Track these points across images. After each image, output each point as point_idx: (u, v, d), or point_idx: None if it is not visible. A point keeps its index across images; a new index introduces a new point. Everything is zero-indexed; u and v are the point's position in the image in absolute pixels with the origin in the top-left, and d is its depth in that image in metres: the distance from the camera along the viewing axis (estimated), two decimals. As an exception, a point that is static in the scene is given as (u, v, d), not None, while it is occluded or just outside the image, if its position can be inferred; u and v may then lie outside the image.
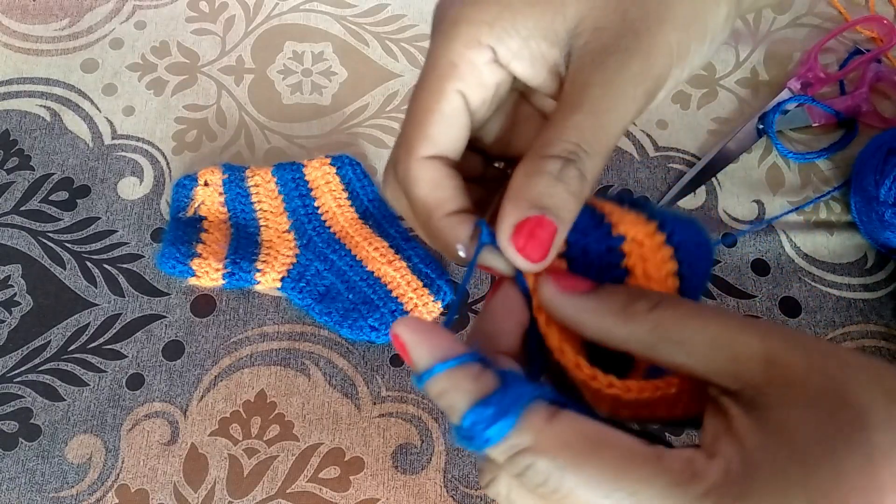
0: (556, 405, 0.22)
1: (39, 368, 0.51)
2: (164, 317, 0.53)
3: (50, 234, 0.55)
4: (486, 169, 0.31)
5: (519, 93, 0.31)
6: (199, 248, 0.52)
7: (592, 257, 0.26)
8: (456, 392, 0.23)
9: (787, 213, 0.57)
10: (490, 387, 0.22)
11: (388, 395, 0.51)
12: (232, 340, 0.52)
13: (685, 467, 0.21)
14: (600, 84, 0.25)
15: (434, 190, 0.27)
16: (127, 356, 0.52)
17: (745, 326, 0.22)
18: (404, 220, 0.32)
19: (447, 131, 0.27)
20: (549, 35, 0.26)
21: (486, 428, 0.22)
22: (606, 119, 0.25)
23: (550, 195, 0.24)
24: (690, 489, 0.20)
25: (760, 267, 0.56)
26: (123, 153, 0.59)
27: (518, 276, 0.26)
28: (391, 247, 0.54)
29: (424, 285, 0.52)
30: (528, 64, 0.27)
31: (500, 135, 0.31)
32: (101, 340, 0.52)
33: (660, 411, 0.25)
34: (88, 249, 0.55)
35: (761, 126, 0.60)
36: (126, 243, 0.55)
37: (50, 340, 0.52)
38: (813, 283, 0.56)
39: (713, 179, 0.59)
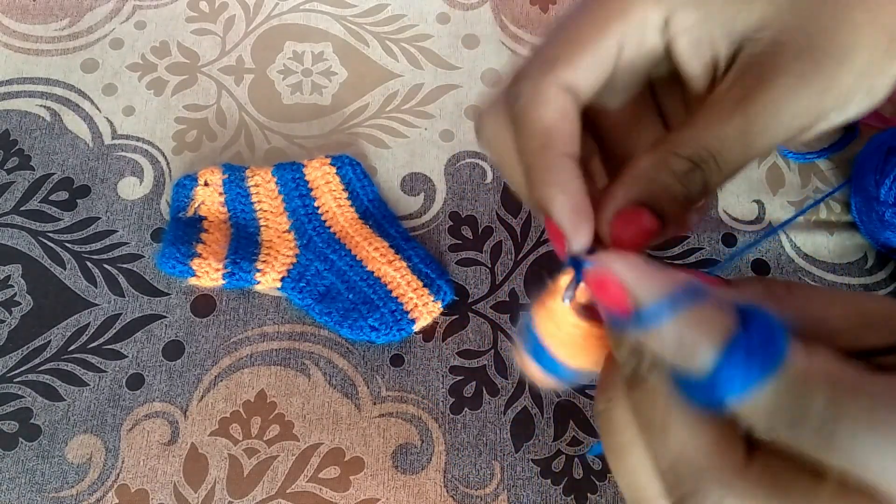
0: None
1: (39, 368, 0.51)
2: (164, 317, 0.53)
3: (50, 234, 0.55)
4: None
5: (648, 83, 0.27)
6: (199, 248, 0.52)
7: None
8: (701, 335, 0.18)
9: (793, 218, 0.57)
10: (734, 325, 0.19)
11: (388, 395, 0.51)
12: (232, 340, 0.52)
13: None
14: (761, 101, 0.22)
15: (561, 120, 0.23)
16: (127, 356, 0.52)
17: (865, 294, 0.21)
18: (490, 157, 0.27)
19: (593, 71, 0.23)
20: (727, 25, 0.23)
21: (748, 374, 0.18)
22: (754, 140, 0.22)
23: (667, 193, 0.22)
24: None
25: (761, 267, 0.56)
26: (123, 153, 0.59)
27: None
28: (391, 247, 0.54)
29: (424, 285, 0.52)
30: (692, 47, 0.24)
31: (610, 107, 0.27)
32: (101, 340, 0.52)
33: None
34: (88, 249, 0.55)
35: (761, 126, 0.60)
36: (126, 243, 0.55)
37: (50, 340, 0.52)
38: (813, 283, 0.56)
39: (713, 179, 0.59)
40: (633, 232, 0.22)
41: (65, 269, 0.54)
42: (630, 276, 0.20)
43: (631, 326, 0.20)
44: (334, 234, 0.55)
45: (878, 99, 0.24)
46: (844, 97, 0.23)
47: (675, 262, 0.55)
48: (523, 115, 0.23)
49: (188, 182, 0.55)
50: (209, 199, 0.55)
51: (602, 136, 0.28)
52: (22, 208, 0.56)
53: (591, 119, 0.27)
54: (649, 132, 0.28)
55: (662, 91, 0.27)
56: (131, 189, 0.57)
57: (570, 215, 0.23)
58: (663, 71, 0.26)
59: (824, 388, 0.18)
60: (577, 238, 0.23)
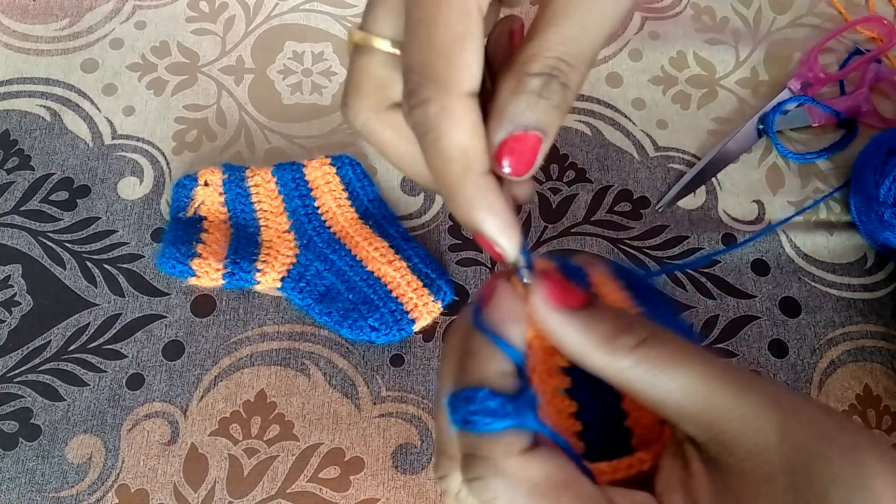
0: (537, 438, 0.23)
1: (39, 368, 0.51)
2: (164, 317, 0.53)
3: (50, 234, 0.55)
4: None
5: None
6: (199, 248, 0.52)
7: None
8: (488, 364, 0.23)
9: (791, 217, 0.57)
10: (511, 387, 0.23)
11: (388, 395, 0.51)
12: (232, 340, 0.52)
13: None
14: None
15: (473, 138, 0.23)
16: (127, 356, 0.52)
17: (727, 379, 0.22)
18: (390, 163, 0.28)
19: (479, 58, 0.23)
20: None
21: (485, 416, 0.22)
22: (593, 28, 0.24)
23: (534, 111, 0.23)
24: None
25: (760, 267, 0.56)
26: (123, 153, 0.59)
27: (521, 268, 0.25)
28: (391, 247, 0.54)
29: (424, 285, 0.52)
30: None
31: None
32: (101, 340, 0.52)
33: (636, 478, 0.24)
34: (88, 249, 0.55)
35: (761, 126, 0.60)
36: (126, 243, 0.55)
37: (50, 340, 0.52)
38: (813, 284, 0.56)
39: (713, 179, 0.59)
40: (520, 157, 0.24)
41: (65, 269, 0.54)
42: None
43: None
44: (334, 234, 0.55)
45: None
46: None
47: (675, 262, 0.55)
48: (437, 141, 0.23)
49: (188, 182, 0.55)
50: (209, 199, 0.55)
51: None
52: (22, 208, 0.56)
53: None
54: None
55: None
56: (131, 189, 0.57)
57: (501, 233, 0.24)
58: None
59: (513, 478, 0.22)
60: (511, 249, 0.25)
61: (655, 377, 0.22)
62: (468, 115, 0.23)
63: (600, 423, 0.25)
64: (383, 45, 0.26)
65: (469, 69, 0.23)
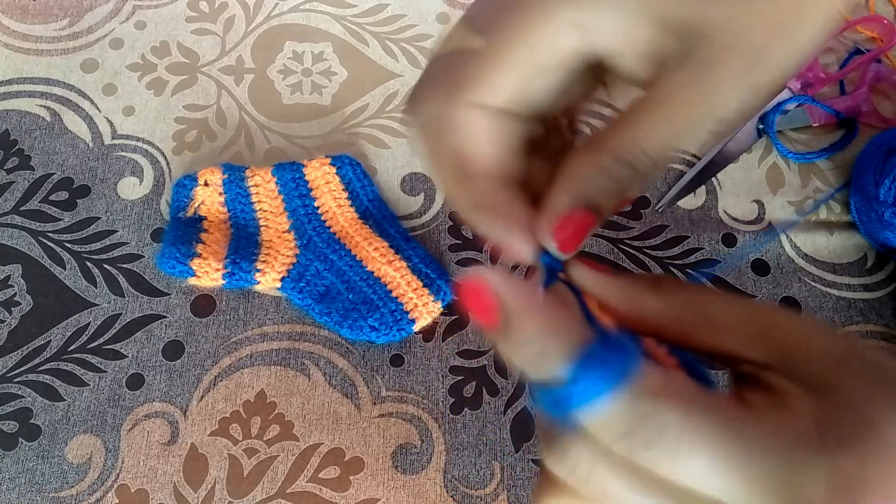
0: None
1: (39, 368, 0.51)
2: (164, 317, 0.53)
3: (50, 234, 0.55)
4: (549, 137, 0.28)
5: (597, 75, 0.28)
6: (199, 248, 0.52)
7: None
8: (553, 338, 0.20)
9: (794, 221, 0.57)
10: (590, 337, 0.20)
11: (388, 395, 0.51)
12: (232, 340, 0.52)
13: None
14: (690, 99, 0.23)
15: (475, 142, 0.24)
16: (127, 356, 0.52)
17: (775, 308, 0.22)
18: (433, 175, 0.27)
19: (518, 85, 0.24)
20: (652, 13, 0.23)
21: (596, 379, 0.19)
22: (683, 134, 0.23)
23: (601, 193, 0.23)
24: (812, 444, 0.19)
25: (760, 267, 0.56)
26: (123, 153, 0.59)
27: (549, 265, 0.24)
28: (391, 247, 0.54)
29: (424, 285, 0.52)
30: (615, 40, 0.24)
31: (572, 99, 0.27)
32: (101, 340, 0.52)
33: None
34: (88, 249, 0.55)
35: (761, 126, 0.60)
36: (126, 243, 0.55)
37: (50, 340, 0.52)
38: (813, 283, 0.56)
39: (713, 179, 0.59)
40: (573, 231, 0.24)
41: (65, 269, 0.54)
42: (503, 290, 0.21)
43: (498, 339, 0.21)
44: (334, 234, 0.55)
45: (802, 59, 0.24)
46: (778, 80, 0.23)
47: (675, 261, 0.55)
48: (433, 140, 0.24)
49: (188, 182, 0.55)
50: (209, 199, 0.55)
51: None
52: (22, 208, 0.56)
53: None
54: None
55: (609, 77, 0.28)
56: (131, 189, 0.57)
57: (501, 236, 0.24)
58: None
59: (657, 405, 0.19)
60: (519, 252, 0.24)
61: (711, 307, 0.22)
62: (470, 120, 0.23)
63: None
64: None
65: (496, 88, 0.23)
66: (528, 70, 0.24)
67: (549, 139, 0.28)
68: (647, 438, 0.19)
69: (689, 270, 0.55)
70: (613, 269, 0.24)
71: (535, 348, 0.20)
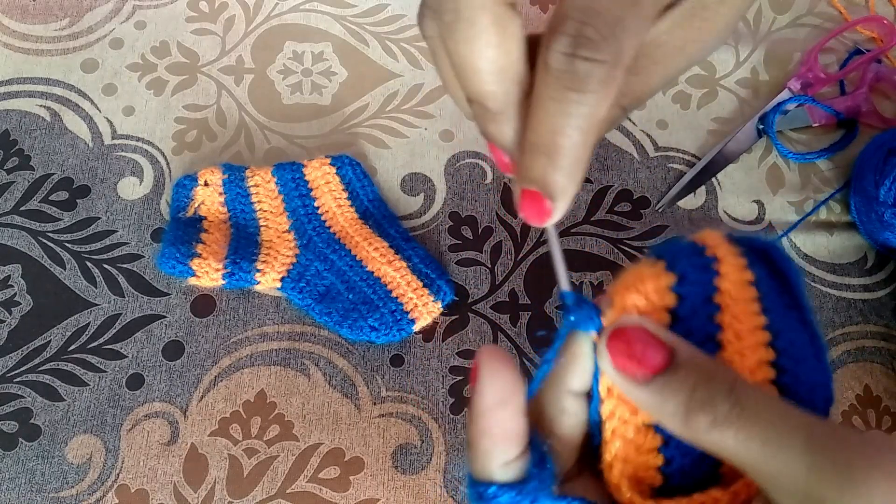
0: None
1: (39, 368, 0.51)
2: (164, 317, 0.53)
3: (50, 234, 0.55)
4: None
5: None
6: (199, 248, 0.52)
7: (694, 307, 0.23)
8: (496, 458, 0.22)
9: (797, 223, 0.57)
10: (518, 473, 0.22)
11: (388, 395, 0.51)
12: (232, 340, 0.52)
13: None
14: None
15: (503, 54, 0.22)
16: (127, 356, 0.52)
17: (833, 457, 0.19)
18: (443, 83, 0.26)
19: None
20: None
21: None
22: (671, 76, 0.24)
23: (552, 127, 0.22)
24: None
25: (760, 267, 0.56)
26: (123, 153, 0.59)
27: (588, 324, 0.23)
28: (391, 247, 0.54)
29: (424, 285, 0.52)
30: None
31: None
32: (101, 340, 0.52)
33: None
34: (88, 249, 0.55)
35: (761, 126, 0.60)
36: (126, 243, 0.55)
37: (50, 340, 0.52)
38: (813, 284, 0.56)
39: (713, 179, 0.59)
40: (534, 209, 0.23)
41: (65, 269, 0.54)
42: (481, 383, 0.23)
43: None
44: (334, 234, 0.55)
45: None
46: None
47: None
48: (454, 50, 0.22)
49: (188, 182, 0.55)
50: (209, 199, 0.55)
51: None
52: (22, 208, 0.56)
53: None
54: None
55: None
56: (131, 189, 0.57)
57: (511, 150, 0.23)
58: None
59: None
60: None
61: (742, 450, 0.20)
62: (485, 29, 0.22)
63: (685, 457, 0.23)
64: None
65: None
66: None
67: None
68: None
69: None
70: (667, 357, 0.21)
71: (476, 449, 0.22)
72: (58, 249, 0.55)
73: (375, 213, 0.56)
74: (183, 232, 0.53)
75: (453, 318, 0.53)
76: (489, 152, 0.24)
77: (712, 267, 0.23)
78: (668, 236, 0.57)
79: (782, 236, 0.57)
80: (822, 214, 0.58)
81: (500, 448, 0.22)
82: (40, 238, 0.55)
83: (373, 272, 0.53)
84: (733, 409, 0.20)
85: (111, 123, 0.60)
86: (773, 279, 0.24)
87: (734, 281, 0.23)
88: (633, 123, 0.61)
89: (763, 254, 0.24)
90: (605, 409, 0.23)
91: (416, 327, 0.52)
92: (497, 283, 0.55)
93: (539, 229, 0.56)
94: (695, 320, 0.22)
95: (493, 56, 0.22)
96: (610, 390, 0.23)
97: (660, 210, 0.57)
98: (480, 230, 0.56)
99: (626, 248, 0.56)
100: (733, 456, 0.20)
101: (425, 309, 0.52)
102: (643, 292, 0.23)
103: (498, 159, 0.24)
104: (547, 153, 0.22)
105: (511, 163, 0.24)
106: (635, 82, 0.24)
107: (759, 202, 0.59)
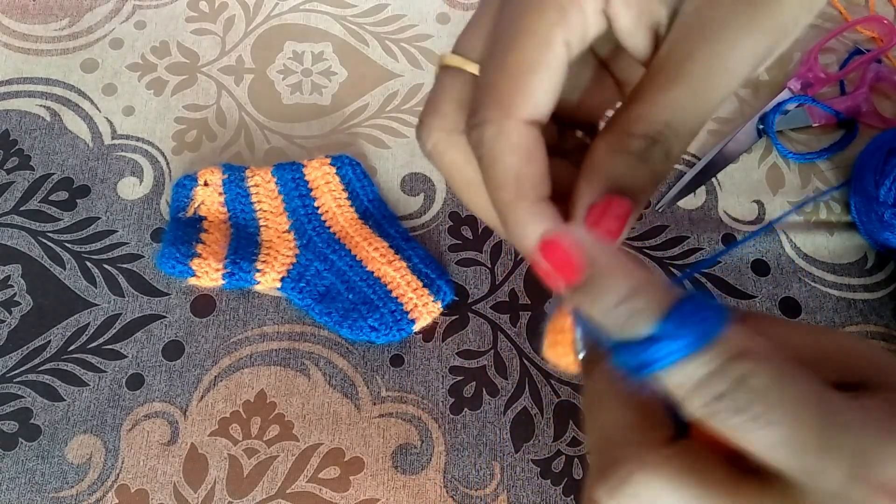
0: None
1: (39, 368, 0.51)
2: (164, 317, 0.53)
3: (50, 234, 0.55)
4: (562, 137, 0.27)
5: (595, 54, 0.27)
6: (199, 248, 0.52)
7: None
8: (644, 294, 0.19)
9: (787, 213, 0.57)
10: (678, 295, 0.19)
11: (388, 395, 0.51)
12: (232, 340, 0.52)
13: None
14: (704, 59, 0.22)
15: (528, 164, 0.23)
16: (127, 356, 0.52)
17: (834, 331, 0.20)
18: (454, 191, 0.27)
19: (549, 89, 0.23)
20: None
21: (683, 342, 0.18)
22: (705, 97, 0.22)
23: (632, 176, 0.22)
24: None
25: (760, 267, 0.56)
26: (123, 153, 0.59)
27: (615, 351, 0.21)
28: (391, 247, 0.54)
29: (424, 285, 0.52)
30: (633, 21, 0.23)
31: (572, 98, 0.27)
32: (101, 340, 0.52)
33: None
34: (88, 249, 0.55)
35: (761, 126, 0.60)
36: (126, 243, 0.55)
37: (50, 340, 0.52)
38: (813, 284, 0.56)
39: (713, 179, 0.59)
40: (609, 221, 0.22)
41: (65, 269, 0.54)
42: (592, 246, 0.20)
43: (580, 296, 0.20)
44: (334, 234, 0.55)
45: (818, 8, 0.24)
46: (791, 27, 0.23)
47: (675, 262, 0.55)
48: (491, 165, 0.23)
49: (188, 182, 0.55)
50: (209, 199, 0.55)
51: (581, 122, 0.28)
52: (22, 208, 0.56)
53: (568, 112, 0.27)
54: (609, 102, 0.28)
55: (612, 62, 0.27)
56: (131, 189, 0.57)
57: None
58: (610, 46, 0.26)
59: (754, 367, 0.18)
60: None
61: (774, 337, 0.20)
62: (525, 141, 0.23)
63: None
64: (470, 67, 0.25)
65: (534, 97, 0.22)
66: (563, 68, 0.23)
67: (562, 140, 0.27)
68: (739, 403, 0.18)
69: (680, 271, 0.55)
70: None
71: (625, 305, 0.19)
72: (58, 249, 0.55)
73: (375, 213, 0.56)
74: (183, 232, 0.53)
75: (453, 318, 0.53)
76: (540, 263, 0.22)
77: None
78: (668, 236, 0.57)
79: (772, 224, 0.57)
80: (822, 214, 0.58)
81: (654, 286, 0.20)
82: (40, 238, 0.55)
83: (373, 272, 0.53)
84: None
85: (111, 123, 0.60)
86: None
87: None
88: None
89: None
90: None
91: (416, 327, 0.52)
92: (497, 283, 0.55)
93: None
94: None
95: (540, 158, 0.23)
96: None
97: (660, 210, 0.58)
98: (480, 230, 0.56)
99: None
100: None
101: (425, 309, 0.52)
102: None
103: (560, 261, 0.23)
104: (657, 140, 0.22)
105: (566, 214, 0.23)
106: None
107: (759, 202, 0.59)
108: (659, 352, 0.18)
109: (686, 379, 0.19)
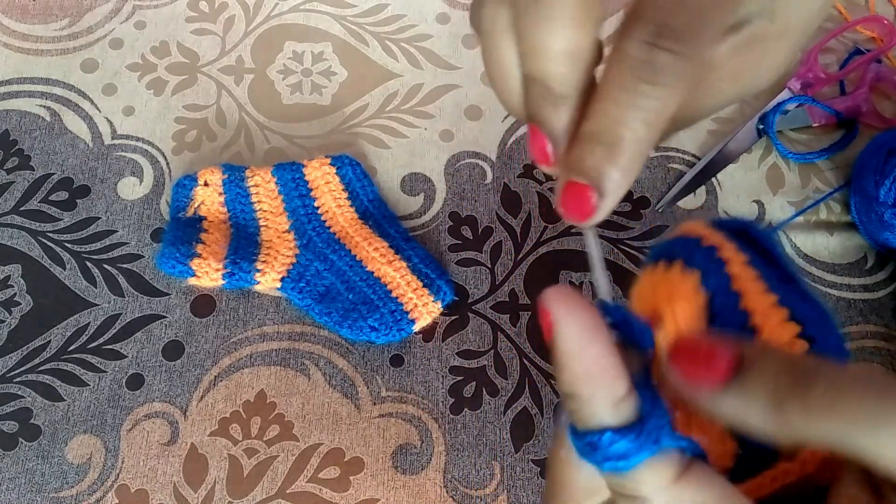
0: (686, 455, 0.20)
1: (39, 368, 0.51)
2: (164, 317, 0.53)
3: (50, 234, 0.55)
4: None
5: None
6: (199, 249, 0.52)
7: (723, 299, 0.22)
8: (602, 400, 0.19)
9: (793, 217, 0.57)
10: (630, 414, 0.19)
11: (388, 396, 0.51)
12: (232, 340, 0.52)
13: None
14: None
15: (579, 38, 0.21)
16: (127, 356, 0.52)
17: None
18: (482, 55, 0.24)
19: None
20: None
21: (617, 461, 0.19)
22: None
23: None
24: None
25: (760, 267, 0.56)
26: (123, 153, 0.59)
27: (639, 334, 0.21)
28: (391, 247, 0.54)
29: (424, 285, 0.52)
30: None
31: None
32: (101, 340, 0.52)
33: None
34: (88, 249, 0.55)
35: (761, 126, 0.60)
36: (126, 243, 0.55)
37: (50, 340, 0.52)
38: (813, 284, 0.56)
39: (713, 179, 0.59)
40: (576, 205, 0.22)
41: (65, 269, 0.54)
42: (564, 323, 0.20)
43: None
44: (334, 234, 0.55)
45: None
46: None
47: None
48: (538, 44, 0.21)
49: (188, 182, 0.55)
50: (209, 199, 0.55)
51: None
52: (22, 208, 0.56)
53: None
54: None
55: None
56: (131, 189, 0.57)
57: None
58: None
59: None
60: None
61: (847, 433, 0.17)
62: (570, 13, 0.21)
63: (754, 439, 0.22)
64: None
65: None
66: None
67: None
68: None
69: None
70: (737, 356, 0.19)
71: (577, 398, 0.19)
72: (58, 249, 0.55)
73: (375, 213, 0.56)
74: (183, 232, 0.53)
75: (453, 318, 0.53)
76: (529, 142, 0.22)
77: (717, 256, 0.22)
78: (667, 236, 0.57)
79: (777, 229, 0.57)
80: (823, 214, 0.58)
81: (606, 387, 0.19)
82: (40, 238, 0.55)
83: (373, 272, 0.53)
84: (827, 390, 0.18)
85: (111, 123, 0.60)
86: (759, 256, 0.23)
87: (739, 265, 0.22)
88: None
89: (742, 234, 0.23)
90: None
91: (416, 327, 0.52)
92: (497, 283, 0.55)
93: (539, 228, 0.56)
94: (727, 312, 0.22)
95: (571, 37, 0.21)
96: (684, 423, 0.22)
97: (660, 210, 0.57)
98: (480, 230, 0.56)
99: (626, 248, 0.56)
100: (836, 441, 0.18)
101: (425, 309, 0.52)
102: (685, 297, 0.22)
103: (538, 148, 0.23)
104: (606, 143, 0.21)
105: (555, 154, 0.23)
106: (687, 102, 0.22)
107: (759, 202, 0.59)
108: (605, 450, 0.19)
109: (608, 482, 0.20)
